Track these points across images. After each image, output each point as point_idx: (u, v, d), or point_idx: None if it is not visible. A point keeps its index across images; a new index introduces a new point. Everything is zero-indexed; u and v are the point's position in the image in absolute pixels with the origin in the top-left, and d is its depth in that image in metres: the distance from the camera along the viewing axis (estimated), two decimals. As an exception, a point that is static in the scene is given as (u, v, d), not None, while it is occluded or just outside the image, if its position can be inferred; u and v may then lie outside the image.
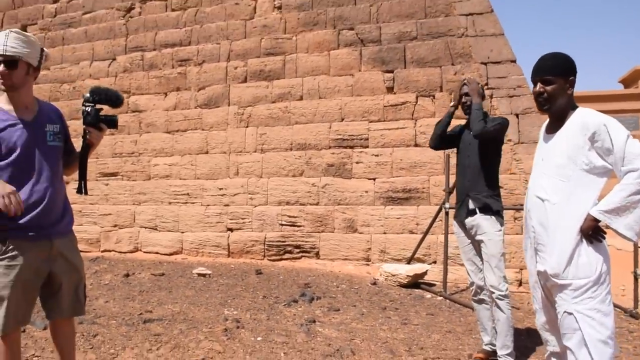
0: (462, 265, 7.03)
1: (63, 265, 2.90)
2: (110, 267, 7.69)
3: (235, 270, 7.44)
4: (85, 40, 10.41)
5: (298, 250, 8.14)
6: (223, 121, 9.00)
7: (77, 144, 2.95)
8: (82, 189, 3.00)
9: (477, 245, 4.03)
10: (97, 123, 2.91)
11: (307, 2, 8.86)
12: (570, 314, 2.55)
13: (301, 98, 8.62)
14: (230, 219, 8.60)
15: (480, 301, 4.10)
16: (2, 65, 2.64)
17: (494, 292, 3.85)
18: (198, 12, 9.60)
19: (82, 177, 2.99)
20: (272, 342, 4.33)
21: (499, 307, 3.84)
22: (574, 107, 2.71)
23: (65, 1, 10.80)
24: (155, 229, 9.08)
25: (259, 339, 4.42)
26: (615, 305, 5.76)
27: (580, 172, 2.58)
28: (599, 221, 2.51)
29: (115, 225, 9.38)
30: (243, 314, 5.15)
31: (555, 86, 2.68)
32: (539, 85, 2.73)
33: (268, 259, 8.22)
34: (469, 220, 4.02)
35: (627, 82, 19.08)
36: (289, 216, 8.27)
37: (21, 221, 2.70)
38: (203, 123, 9.12)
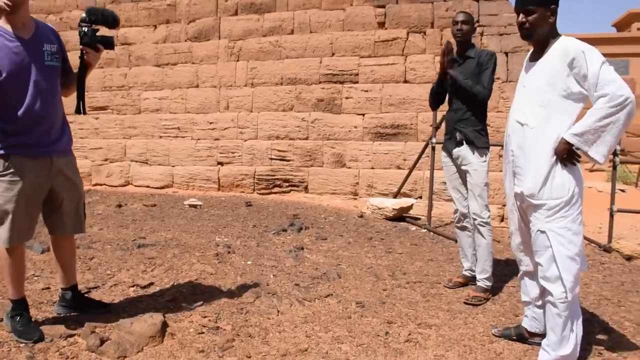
0: (447, 200, 7.27)
1: (63, 182, 3.06)
2: (103, 198, 7.83)
3: (226, 202, 7.61)
4: (71, -32, 10.15)
5: (287, 184, 8.30)
6: (213, 54, 8.95)
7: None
8: (80, 109, 3.08)
9: (462, 174, 4.19)
10: (94, 43, 2.98)
11: None
12: (543, 232, 2.72)
13: (292, 32, 8.57)
14: (221, 153, 8.70)
15: (463, 228, 4.29)
16: None
17: (476, 219, 4.04)
18: (187, -59, 9.36)
19: (80, 97, 3.07)
20: (261, 266, 4.53)
21: (480, 233, 4.04)
22: (556, 36, 2.81)
23: None
24: (146, 163, 9.17)
25: (249, 262, 4.62)
26: (591, 241, 6.05)
27: (558, 98, 2.70)
28: (572, 145, 2.64)
29: (106, 159, 9.44)
30: (233, 241, 5.34)
31: (537, 15, 2.76)
32: (521, 15, 2.82)
33: (258, 193, 8.38)
34: (456, 151, 4.16)
35: (620, 25, 18.98)
36: (279, 150, 8.38)
37: (22, 138, 2.83)
38: (193, 56, 9.07)
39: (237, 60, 8.81)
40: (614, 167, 5.99)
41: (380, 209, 6.87)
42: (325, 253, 5.09)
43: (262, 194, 8.34)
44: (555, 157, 2.71)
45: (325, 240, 5.61)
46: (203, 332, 3.16)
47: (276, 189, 8.34)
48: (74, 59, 3.09)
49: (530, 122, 2.81)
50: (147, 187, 8.99)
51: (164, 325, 3.16)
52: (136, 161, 9.24)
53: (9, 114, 2.82)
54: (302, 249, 5.15)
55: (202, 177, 8.72)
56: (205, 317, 3.37)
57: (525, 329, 3.20)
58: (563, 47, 2.72)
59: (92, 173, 9.45)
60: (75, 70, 3.13)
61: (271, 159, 8.42)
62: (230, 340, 3.05)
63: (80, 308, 3.35)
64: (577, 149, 2.67)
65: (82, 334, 3.00)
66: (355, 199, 7.94)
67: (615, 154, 5.84)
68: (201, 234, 5.60)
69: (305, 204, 7.63)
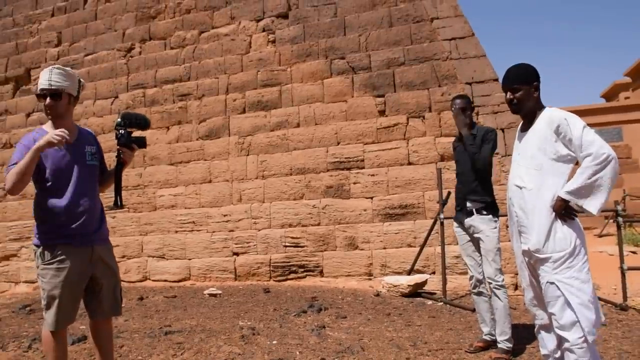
0: (460, 274, 7.42)
1: (103, 269, 3.32)
2: (123, 293, 7.95)
3: (244, 290, 7.76)
4: (88, 80, 10.86)
5: (302, 269, 8.47)
6: (224, 151, 9.42)
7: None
8: (117, 203, 3.40)
9: (475, 242, 4.42)
10: (129, 144, 3.36)
11: (300, 35, 9.39)
12: (552, 283, 2.94)
13: (298, 125, 9.07)
14: (236, 244, 8.94)
15: (479, 294, 4.47)
16: (48, 98, 3.12)
17: (491, 283, 4.24)
18: (196, 49, 10.11)
19: (118, 192, 3.41)
20: (287, 345, 4.66)
21: (496, 296, 4.22)
22: (542, 108, 3.17)
23: (67, 44, 11.32)
24: (163, 258, 9.39)
25: (274, 342, 4.74)
26: (607, 301, 6.15)
27: (549, 161, 3.03)
28: (568, 201, 2.92)
29: (123, 256, 9.67)
30: (257, 324, 5.48)
31: (522, 92, 3.16)
32: (508, 93, 3.21)
33: (274, 280, 8.54)
34: (467, 221, 4.42)
35: (608, 96, 19.80)
36: (292, 237, 8.62)
37: (67, 230, 3.13)
38: (205, 153, 9.54)
39: (248, 155, 9.26)
40: (619, 228, 6.20)
41: (395, 286, 7.02)
42: (346, 330, 5.21)
43: (279, 280, 8.49)
44: (553, 214, 2.97)
45: (345, 318, 5.73)
46: (238, 406, 3.27)
47: (292, 275, 8.50)
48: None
49: (527, 185, 3.11)
50: (165, 281, 9.16)
51: (200, 401, 3.29)
52: (153, 256, 9.47)
53: (56, 208, 3.13)
54: (324, 327, 5.28)
55: (218, 268, 8.91)
56: (238, 392, 3.49)
57: (548, 382, 3.31)
58: (548, 117, 3.07)
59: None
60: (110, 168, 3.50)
61: (285, 246, 8.64)
62: (265, 411, 3.16)
63: None
64: (573, 204, 2.95)
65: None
66: (370, 279, 8.08)
67: (617, 214, 6.08)
68: (224, 320, 5.74)
69: (321, 288, 7.77)
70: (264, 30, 9.72)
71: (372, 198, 8.38)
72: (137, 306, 6.78)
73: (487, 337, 4.45)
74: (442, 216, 6.61)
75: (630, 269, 6.26)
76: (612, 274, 7.58)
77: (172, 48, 10.36)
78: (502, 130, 7.83)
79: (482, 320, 4.53)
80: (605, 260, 9.46)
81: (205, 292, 7.47)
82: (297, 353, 4.40)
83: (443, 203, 6.69)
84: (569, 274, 2.91)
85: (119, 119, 3.35)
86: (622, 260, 6.19)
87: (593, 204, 2.90)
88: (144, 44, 10.61)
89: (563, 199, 2.94)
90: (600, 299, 6.14)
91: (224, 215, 9.15)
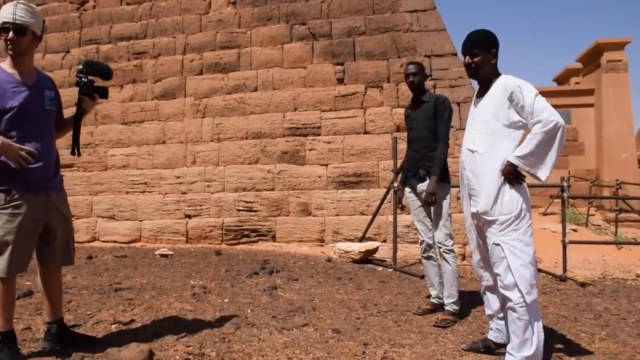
0: (410, 242, 7.58)
1: (57, 217, 3.27)
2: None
3: (196, 252, 7.73)
4: (37, 33, 10.41)
5: (255, 234, 8.48)
6: (180, 112, 9.25)
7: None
8: (74, 151, 3.37)
9: (427, 207, 4.51)
10: (91, 93, 3.31)
11: (261, -3, 9.23)
12: (498, 244, 3.06)
13: (256, 89, 8.98)
14: (188, 206, 8.86)
15: (429, 258, 4.59)
16: (11, 32, 2.98)
17: (441, 247, 4.36)
18: (153, 7, 9.82)
19: (76, 141, 3.36)
20: (238, 303, 4.69)
21: (445, 260, 4.35)
22: (498, 75, 3.24)
23: (16, -6, 10.77)
24: (113, 218, 9.23)
25: (225, 300, 4.77)
26: (548, 273, 6.43)
27: (501, 127, 3.12)
28: (517, 166, 3.03)
29: (72, 216, 9.43)
30: (208, 283, 5.48)
31: (480, 58, 3.23)
32: (467, 57, 3.27)
33: (226, 244, 8.53)
34: (420, 186, 4.50)
35: (560, 79, 20.33)
36: (246, 202, 8.61)
37: (23, 175, 3.03)
38: (160, 114, 9.35)
39: (203, 117, 9.13)
40: (563, 202, 6.45)
41: (347, 252, 7.12)
42: (298, 291, 5.27)
43: (231, 244, 8.49)
44: (502, 177, 3.07)
45: (297, 280, 5.80)
46: (189, 359, 3.29)
47: (244, 239, 8.50)
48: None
49: (479, 149, 3.20)
50: (115, 242, 9.02)
51: (151, 353, 3.28)
52: (103, 217, 9.29)
53: None
54: (276, 288, 5.33)
55: (170, 230, 8.83)
56: (189, 346, 3.50)
57: (492, 340, 3.46)
58: (503, 83, 3.15)
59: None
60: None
61: (238, 210, 8.62)
62: (216, 364, 3.19)
63: (66, 342, 3.43)
64: (521, 169, 3.06)
65: (71, 362, 3.10)
66: (322, 245, 8.17)
67: (562, 189, 6.32)
68: (176, 279, 5.71)
69: (273, 252, 7.81)
70: (224, -9, 9.51)
71: (327, 165, 8.43)
72: (85, 264, 6.67)
73: (434, 300, 4.59)
74: (395, 185, 6.72)
75: (571, 242, 6.56)
76: (553, 249, 7.95)
77: (128, 4, 10.01)
78: (458, 104, 7.97)
79: (430, 284, 4.67)
80: (548, 237, 9.86)
81: (156, 252, 7.40)
82: (249, 311, 4.43)
83: (397, 172, 6.79)
84: (514, 236, 3.02)
85: (81, 66, 3.27)
86: (564, 234, 6.46)
87: (541, 170, 3.02)
88: (99, -2, 10.22)
89: (512, 163, 3.04)
90: (541, 270, 6.44)
91: (177, 177, 9.04)
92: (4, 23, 2.98)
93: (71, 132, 3.43)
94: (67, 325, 3.67)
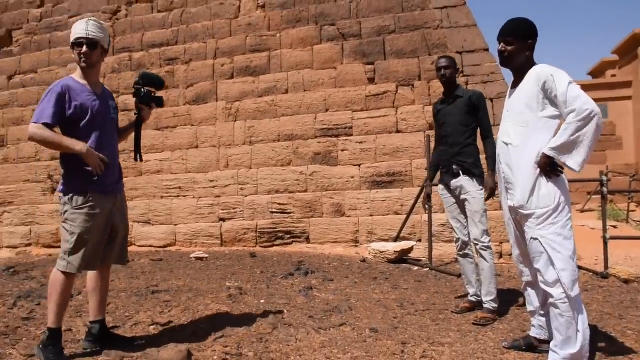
0: (446, 242, 7.49)
1: (121, 217, 3.48)
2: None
3: (230, 255, 7.77)
4: (72, 43, 10.64)
5: (289, 236, 8.49)
6: (212, 116, 9.33)
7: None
8: (137, 157, 3.60)
9: (461, 204, 4.44)
10: (149, 102, 3.55)
11: (290, 0, 9.25)
12: (536, 239, 2.97)
13: (287, 91, 9.00)
14: (222, 210, 8.92)
15: (465, 255, 4.50)
16: (85, 46, 3.23)
17: (477, 244, 4.27)
18: (184, 13, 9.94)
19: (138, 147, 3.59)
20: (274, 304, 4.68)
21: (482, 257, 4.26)
22: (533, 65, 3.15)
23: (50, 5, 11.05)
24: (149, 223, 9.35)
25: (262, 301, 4.77)
26: (589, 270, 6.26)
27: (536, 118, 3.03)
28: (552, 158, 2.93)
29: (108, 221, 9.61)
30: (244, 285, 5.50)
31: (515, 47, 3.14)
32: (501, 45, 3.18)
33: (260, 246, 8.56)
34: (453, 182, 4.43)
35: (595, 73, 19.91)
36: (279, 204, 8.62)
37: (98, 178, 3.23)
38: (192, 119, 9.45)
39: (235, 120, 9.19)
40: (603, 197, 6.28)
41: (381, 252, 7.06)
42: (334, 292, 5.24)
43: (265, 246, 8.51)
44: (538, 170, 2.98)
45: (332, 281, 5.77)
46: (227, 358, 3.29)
47: (278, 241, 8.52)
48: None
49: (513, 142, 3.12)
50: (150, 246, 9.14)
51: (189, 353, 3.30)
52: (138, 222, 9.42)
53: None
54: (311, 289, 5.31)
55: (204, 234, 8.90)
56: (226, 346, 3.50)
57: (534, 337, 3.37)
58: (536, 73, 3.06)
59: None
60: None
61: (272, 212, 8.64)
62: (254, 364, 3.19)
63: (107, 343, 3.49)
64: (557, 161, 2.95)
65: (111, 362, 3.13)
66: (357, 246, 8.13)
67: (602, 184, 6.15)
68: (211, 281, 5.75)
69: (308, 254, 7.80)
70: (253, -5, 9.56)
71: (359, 165, 8.39)
72: (122, 268, 6.74)
73: (472, 299, 4.50)
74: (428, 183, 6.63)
75: (612, 238, 6.37)
76: (593, 246, 7.73)
77: (159, 11, 10.16)
78: (491, 100, 7.83)
79: (467, 282, 4.58)
80: (587, 234, 9.61)
81: (192, 255, 7.47)
82: (285, 311, 4.42)
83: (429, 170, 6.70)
84: (552, 230, 2.93)
85: (137, 78, 3.54)
86: (604, 230, 6.28)
87: (575, 160, 2.90)
88: (131, 7, 10.40)
89: (547, 155, 2.94)
90: (582, 268, 6.27)
91: (211, 181, 9.11)
92: (78, 38, 3.23)
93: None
94: (108, 327, 3.73)
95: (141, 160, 3.60)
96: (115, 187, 3.41)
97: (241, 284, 5.53)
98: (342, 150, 8.49)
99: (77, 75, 3.32)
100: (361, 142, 8.41)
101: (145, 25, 10.18)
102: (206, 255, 7.44)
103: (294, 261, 7.02)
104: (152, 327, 4.00)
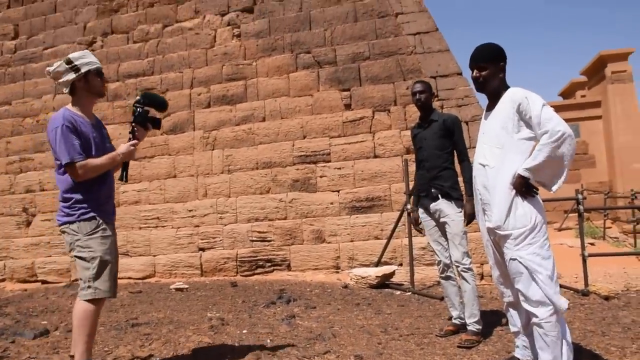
0: (427, 265, 7.50)
1: (115, 248, 3.39)
2: (86, 290, 7.78)
3: (211, 285, 7.67)
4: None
5: (269, 264, 8.42)
6: (189, 145, 9.30)
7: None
8: (122, 178, 3.44)
9: (441, 227, 4.47)
10: (144, 122, 3.45)
11: (265, 29, 9.34)
12: (515, 259, 3.01)
13: (264, 119, 9.02)
14: (202, 239, 8.84)
15: (447, 278, 4.52)
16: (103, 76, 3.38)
17: (459, 266, 4.29)
18: (159, 43, 9.96)
19: (125, 167, 3.45)
20: (257, 334, 4.62)
21: (464, 279, 4.27)
22: (507, 88, 3.22)
23: (25, 37, 10.98)
24: (127, 255, 9.21)
25: (244, 331, 4.70)
26: (570, 288, 6.31)
27: (511, 140, 3.09)
28: (527, 178, 2.97)
29: (85, 254, 9.43)
30: (226, 315, 5.42)
31: (488, 71, 3.22)
32: (475, 71, 3.25)
33: (241, 275, 8.47)
34: (432, 205, 4.46)
35: (566, 93, 20.36)
36: (259, 232, 8.57)
37: (103, 207, 3.26)
38: (170, 148, 9.40)
39: (213, 149, 9.17)
40: (580, 215, 6.37)
41: (363, 277, 7.04)
42: (316, 319, 5.20)
43: (246, 275, 8.43)
44: (514, 191, 3.03)
45: (315, 308, 5.72)
46: (210, 391, 3.23)
47: (259, 270, 8.44)
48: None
49: (490, 163, 3.17)
50: (129, 278, 8.98)
51: (171, 387, 3.23)
52: (117, 254, 9.26)
53: (94, 186, 3.23)
54: (294, 317, 5.26)
55: (184, 264, 8.79)
56: (209, 379, 3.44)
57: (518, 358, 3.37)
58: (510, 96, 3.13)
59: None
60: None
61: (252, 240, 8.58)
62: (238, 395, 3.13)
63: None
64: (532, 181, 3.00)
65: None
66: (338, 272, 8.09)
67: (578, 202, 6.25)
68: (192, 312, 5.66)
69: (289, 281, 7.74)
70: (228, 25, 9.64)
71: (338, 191, 8.40)
72: (101, 302, 6.63)
73: (456, 321, 4.50)
74: (409, 207, 6.66)
75: (590, 255, 6.45)
76: (572, 263, 7.82)
77: (135, 42, 10.17)
78: (466, 123, 7.95)
79: (451, 305, 4.58)
80: (566, 252, 9.72)
81: (172, 286, 7.35)
82: (268, 341, 4.36)
83: (409, 194, 6.74)
84: (531, 250, 2.97)
85: (138, 97, 3.45)
86: (583, 247, 6.36)
87: (552, 181, 2.97)
88: (106, 38, 10.39)
89: (522, 176, 2.99)
90: (562, 286, 6.31)
91: (190, 211, 9.04)
92: (100, 68, 3.33)
93: None
94: None
95: (126, 181, 3.49)
96: (114, 218, 3.40)
97: (223, 314, 5.45)
98: (321, 177, 8.50)
99: (72, 107, 3.28)
100: (339, 168, 8.45)
101: (121, 56, 10.17)
102: (186, 286, 7.34)
103: (276, 289, 6.95)
104: (131, 361, 3.92)
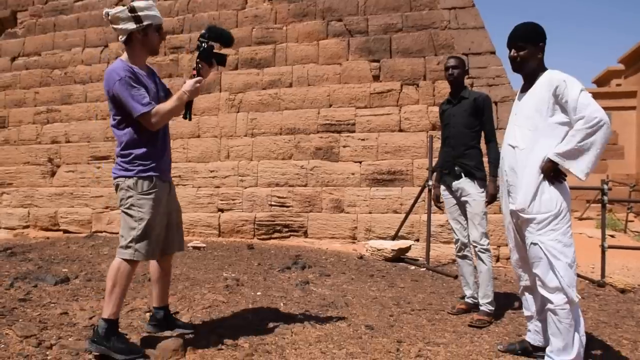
0: (444, 242, 7.49)
1: (174, 204, 3.43)
2: (106, 242, 7.96)
3: (228, 246, 7.77)
4: (77, 27, 10.61)
5: (287, 229, 8.48)
6: (214, 106, 9.31)
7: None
8: (187, 116, 3.29)
9: (462, 206, 4.44)
10: (209, 58, 3.26)
11: (298, -7, 9.22)
12: (536, 244, 2.97)
13: (291, 85, 8.97)
14: (221, 200, 8.91)
15: (464, 257, 4.51)
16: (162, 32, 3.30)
17: (476, 246, 4.27)
18: (190, 2, 9.89)
19: (189, 106, 3.27)
20: (271, 296, 4.69)
21: (481, 259, 4.26)
22: (544, 70, 3.14)
23: (58, -12, 10.99)
24: (147, 210, 9.32)
25: (258, 293, 4.77)
26: (586, 278, 6.26)
27: (544, 122, 3.01)
28: (556, 163, 2.92)
29: (107, 207, 9.60)
30: (241, 276, 5.50)
31: (526, 51, 3.13)
32: (513, 51, 3.16)
33: (258, 238, 8.55)
34: (455, 184, 4.43)
35: (600, 81, 19.89)
36: (279, 197, 8.61)
37: (158, 164, 3.19)
38: (194, 108, 9.34)
39: (238, 112, 9.17)
40: (603, 206, 6.28)
41: (379, 250, 7.06)
42: (330, 287, 5.25)
43: (263, 239, 8.51)
44: (542, 175, 2.98)
45: (329, 276, 5.77)
46: (222, 349, 3.29)
47: (276, 234, 8.51)
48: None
49: (520, 145, 3.11)
50: (148, 234, 9.11)
51: (185, 341, 3.30)
52: (137, 209, 9.39)
53: (153, 140, 3.17)
54: (308, 283, 5.32)
55: (202, 224, 8.89)
56: (222, 336, 3.50)
57: (529, 342, 3.37)
58: (548, 78, 3.04)
59: (92, 220, 9.58)
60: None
61: (271, 205, 8.63)
62: (249, 355, 3.19)
63: (168, 327, 3.53)
64: (561, 167, 2.95)
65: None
66: (354, 242, 8.13)
67: (603, 192, 6.15)
68: (208, 271, 5.75)
69: (305, 248, 7.80)
70: (261, -14, 9.52)
71: (360, 162, 8.38)
72: (120, 254, 6.76)
73: (469, 300, 4.51)
74: (430, 183, 6.63)
75: (610, 247, 6.38)
76: (590, 254, 7.75)
77: (166, -1, 10.12)
78: (496, 103, 7.81)
79: (465, 284, 4.58)
80: (585, 242, 9.62)
81: (190, 244, 7.46)
82: (282, 305, 4.43)
83: (432, 170, 6.70)
84: (553, 236, 2.93)
85: (203, 31, 3.26)
86: (603, 238, 6.28)
87: (580, 168, 2.89)
88: (138, -7, 10.34)
89: (552, 160, 2.94)
90: (578, 275, 6.26)
91: (211, 171, 9.10)
92: (161, 24, 3.25)
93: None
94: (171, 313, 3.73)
95: (190, 119, 3.34)
96: (170, 175, 3.37)
97: (238, 275, 5.53)
98: (344, 147, 8.47)
99: (127, 59, 3.17)
100: (363, 139, 8.40)
101: (152, 12, 10.12)
102: (204, 245, 7.44)
103: (292, 255, 7.02)
104: (148, 313, 3.99)
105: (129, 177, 3.09)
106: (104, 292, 4.50)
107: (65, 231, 9.69)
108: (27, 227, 10.07)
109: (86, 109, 10.12)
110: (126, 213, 3.10)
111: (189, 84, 3.12)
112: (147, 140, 3.13)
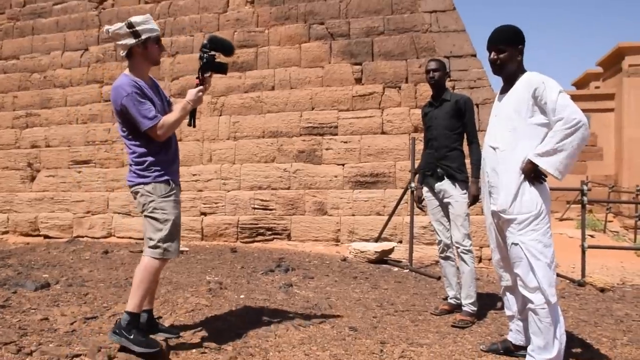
0: (427, 244, 7.53)
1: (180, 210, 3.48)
2: (87, 247, 7.88)
3: (211, 249, 7.74)
4: (56, 30, 10.51)
5: (270, 232, 8.47)
6: (196, 110, 9.25)
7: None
8: (191, 123, 3.46)
9: (444, 207, 4.47)
10: (211, 68, 3.37)
11: (280, -4, 9.23)
12: (517, 244, 3.01)
13: (273, 88, 8.97)
14: (204, 204, 8.87)
15: (447, 258, 4.54)
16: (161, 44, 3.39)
17: (459, 247, 4.31)
18: (171, 5, 9.85)
19: (193, 114, 3.43)
20: (254, 299, 4.67)
21: (463, 260, 4.30)
22: (523, 72, 3.18)
23: (36, -9, 10.87)
24: (129, 215, 9.27)
25: (241, 296, 4.75)
26: (566, 277, 6.34)
27: (524, 123, 3.05)
28: (536, 164, 2.95)
29: (88, 212, 9.51)
30: (224, 279, 5.48)
31: (506, 54, 3.16)
32: (493, 53, 3.20)
33: (241, 241, 8.52)
34: (437, 185, 4.47)
35: (579, 84, 20.17)
36: (262, 200, 8.60)
37: (172, 167, 3.37)
38: (177, 111, 9.35)
39: (220, 115, 9.14)
40: (583, 206, 6.36)
41: (362, 252, 7.08)
42: (314, 289, 5.25)
43: (246, 242, 8.48)
44: (523, 175, 3.01)
45: (312, 279, 5.77)
46: (205, 352, 3.28)
47: (259, 237, 8.50)
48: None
49: (500, 146, 3.14)
50: (130, 237, 9.05)
51: (168, 345, 3.28)
52: (119, 213, 9.33)
53: (164, 147, 3.31)
54: (291, 285, 5.31)
55: (185, 228, 8.83)
56: (205, 340, 3.48)
57: (511, 342, 3.41)
58: (527, 80, 3.09)
59: (73, 225, 9.48)
60: None
61: (254, 208, 8.62)
62: (232, 358, 3.20)
63: (151, 331, 3.49)
64: (541, 168, 2.98)
65: (88, 353, 3.10)
66: (337, 245, 8.14)
67: (583, 193, 6.24)
68: (191, 274, 5.72)
69: (288, 250, 7.79)
70: (243, -10, 9.51)
71: (343, 165, 8.40)
72: (101, 259, 6.70)
73: (452, 301, 4.54)
74: (413, 185, 6.67)
75: (590, 247, 6.47)
76: (570, 254, 7.85)
77: (146, 2, 10.06)
78: (477, 105, 7.87)
79: (448, 284, 4.61)
80: (565, 242, 9.75)
81: (172, 249, 7.42)
82: (265, 307, 4.41)
83: (415, 172, 6.74)
84: (533, 237, 2.97)
85: (205, 41, 3.37)
86: (583, 238, 6.36)
87: (558, 168, 2.92)
88: (118, -4, 10.28)
89: (532, 161, 2.97)
90: (559, 275, 6.34)
91: (193, 175, 9.06)
92: (159, 36, 3.32)
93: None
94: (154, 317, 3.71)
95: (194, 126, 3.51)
96: (179, 178, 3.48)
97: (221, 279, 5.51)
98: (327, 149, 8.49)
99: (130, 72, 3.26)
100: (346, 142, 8.43)
101: (132, 15, 10.03)
102: (186, 249, 7.40)
103: (275, 258, 7.01)
104: (130, 318, 3.96)
105: (147, 183, 3.22)
106: (86, 298, 4.50)
107: (46, 236, 9.58)
108: (6, 232, 9.93)
109: (66, 113, 10.02)
110: (151, 217, 3.22)
111: (192, 93, 3.29)
112: (161, 148, 3.28)
